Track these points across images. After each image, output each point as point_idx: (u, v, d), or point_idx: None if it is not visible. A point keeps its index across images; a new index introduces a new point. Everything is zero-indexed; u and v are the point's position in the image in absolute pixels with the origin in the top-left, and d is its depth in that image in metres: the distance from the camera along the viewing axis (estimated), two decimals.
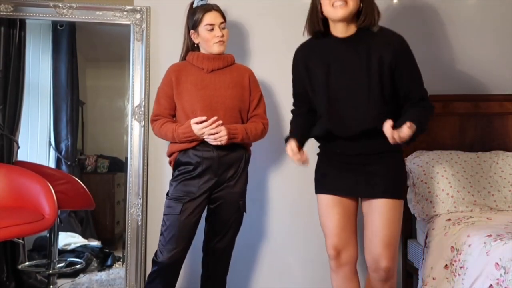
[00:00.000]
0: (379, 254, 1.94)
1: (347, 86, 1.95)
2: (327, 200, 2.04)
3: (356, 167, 2.00)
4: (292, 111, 2.22)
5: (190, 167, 2.22)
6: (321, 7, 1.92)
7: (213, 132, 2.14)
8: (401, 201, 2.00)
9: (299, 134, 2.06)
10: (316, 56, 2.02)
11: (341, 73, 1.95)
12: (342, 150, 2.02)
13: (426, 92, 2.00)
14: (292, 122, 2.19)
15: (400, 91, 1.96)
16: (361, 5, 1.90)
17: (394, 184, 1.98)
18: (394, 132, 1.77)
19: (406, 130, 1.76)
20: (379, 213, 1.95)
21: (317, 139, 2.13)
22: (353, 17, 1.92)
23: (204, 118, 2.16)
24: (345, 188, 2.01)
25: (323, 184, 2.07)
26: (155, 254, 2.24)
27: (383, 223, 1.94)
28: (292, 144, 1.97)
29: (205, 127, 2.14)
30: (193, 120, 2.17)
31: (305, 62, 2.05)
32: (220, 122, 2.15)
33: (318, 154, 2.16)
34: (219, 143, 2.16)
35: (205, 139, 2.17)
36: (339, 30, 1.95)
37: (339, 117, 1.98)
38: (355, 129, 1.94)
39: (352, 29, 1.94)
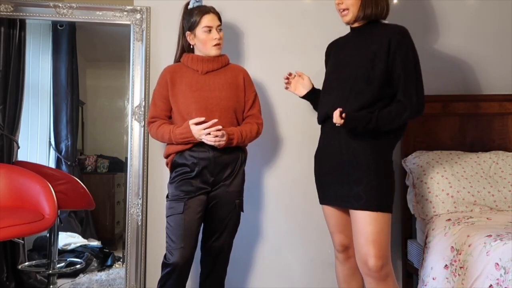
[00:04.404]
0: (365, 253, 1.89)
1: (341, 77, 2.04)
2: (324, 207, 2.17)
3: (341, 176, 1.99)
4: None
5: (187, 168, 2.22)
6: None
7: (218, 134, 2.13)
8: (388, 214, 1.93)
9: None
10: (334, 48, 2.18)
11: (340, 64, 2.08)
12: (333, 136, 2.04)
13: (418, 92, 1.93)
14: None
15: (394, 85, 1.96)
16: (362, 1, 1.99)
17: (379, 196, 1.91)
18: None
19: (336, 117, 1.85)
20: (362, 216, 1.92)
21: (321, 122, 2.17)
22: None
23: (202, 119, 2.16)
24: (332, 200, 2.08)
25: (318, 193, 2.18)
26: (165, 257, 2.21)
27: (367, 220, 1.89)
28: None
29: (205, 129, 2.14)
30: (192, 121, 2.16)
31: (329, 53, 2.23)
32: (220, 127, 2.15)
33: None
34: (216, 145, 2.17)
35: (203, 140, 2.16)
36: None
37: (332, 103, 2.01)
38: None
39: (361, 21, 2.06)
